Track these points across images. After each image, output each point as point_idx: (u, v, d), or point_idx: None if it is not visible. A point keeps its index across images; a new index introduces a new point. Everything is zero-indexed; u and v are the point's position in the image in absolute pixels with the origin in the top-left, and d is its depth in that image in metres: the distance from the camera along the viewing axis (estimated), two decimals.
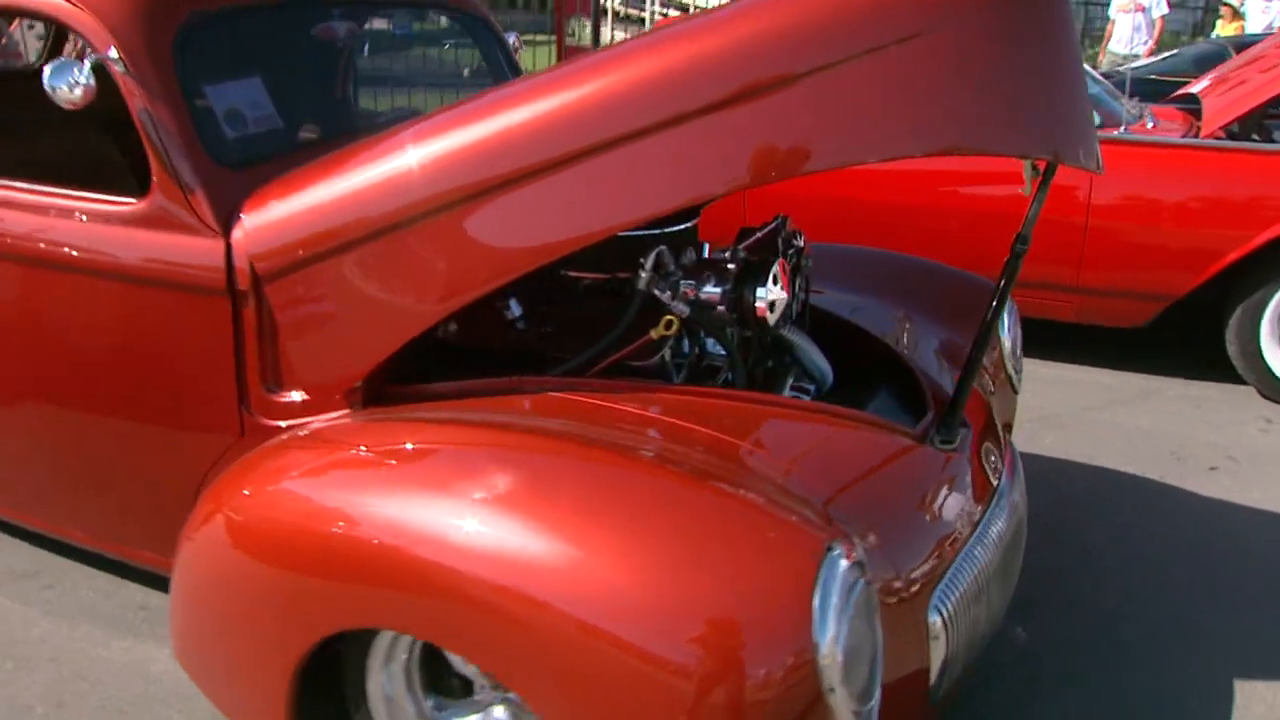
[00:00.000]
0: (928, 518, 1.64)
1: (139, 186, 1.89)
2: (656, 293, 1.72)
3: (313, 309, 1.79)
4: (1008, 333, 2.36)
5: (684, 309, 1.73)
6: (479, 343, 1.94)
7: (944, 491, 1.71)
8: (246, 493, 1.60)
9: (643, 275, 1.72)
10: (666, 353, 1.78)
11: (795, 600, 1.19)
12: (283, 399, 1.86)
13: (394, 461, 1.55)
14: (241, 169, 1.91)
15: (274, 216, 1.79)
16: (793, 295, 2.02)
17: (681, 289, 1.75)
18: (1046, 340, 4.12)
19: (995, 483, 1.87)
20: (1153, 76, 7.54)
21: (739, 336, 1.82)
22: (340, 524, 1.45)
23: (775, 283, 1.74)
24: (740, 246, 1.82)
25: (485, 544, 1.32)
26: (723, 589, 1.20)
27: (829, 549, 1.24)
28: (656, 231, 1.83)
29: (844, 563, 1.23)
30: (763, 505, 1.33)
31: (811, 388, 1.97)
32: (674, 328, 1.73)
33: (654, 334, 1.72)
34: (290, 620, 1.53)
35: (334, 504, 1.50)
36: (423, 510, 1.41)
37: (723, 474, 1.42)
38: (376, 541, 1.40)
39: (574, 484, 1.40)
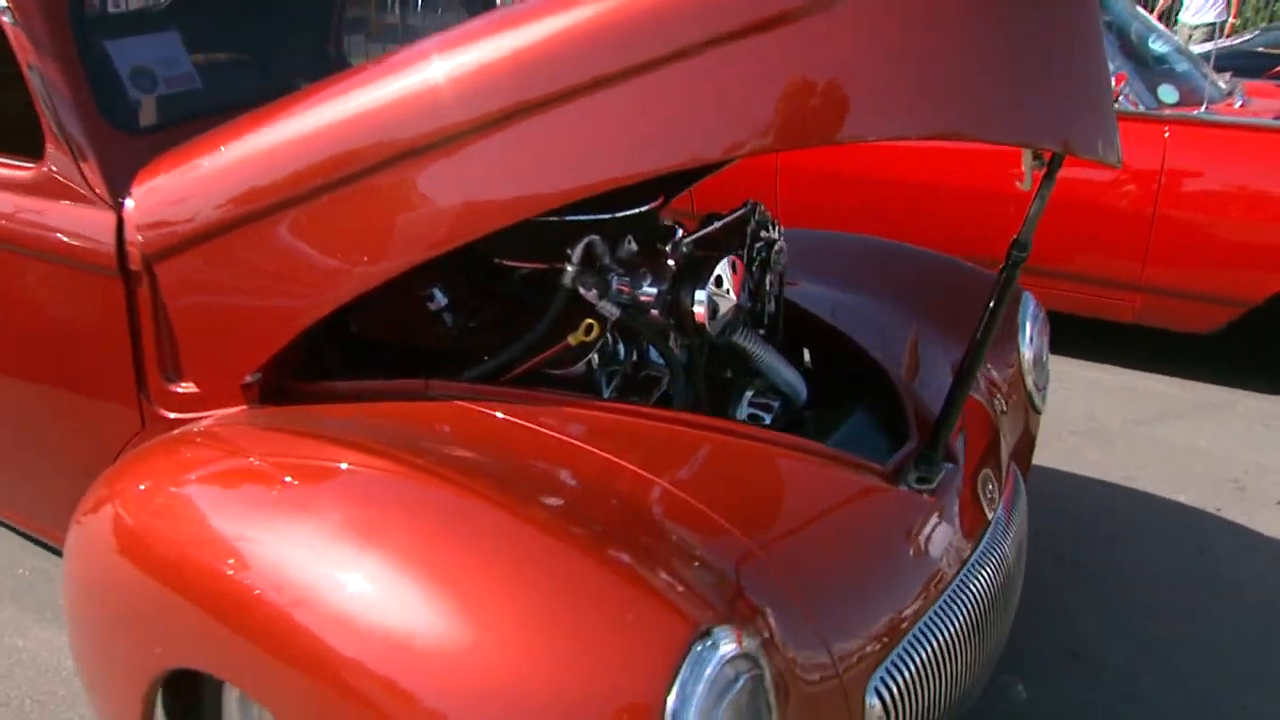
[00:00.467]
0: (883, 576, 1.37)
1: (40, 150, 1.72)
2: (582, 290, 1.47)
3: (204, 292, 1.60)
4: (1029, 343, 2.04)
5: (613, 310, 1.48)
6: (399, 336, 1.73)
7: (911, 543, 1.43)
8: (141, 487, 1.42)
9: (568, 269, 1.47)
10: (594, 359, 1.53)
11: (646, 698, 0.94)
12: (180, 390, 1.68)
13: (289, 480, 1.31)
14: (146, 134, 1.72)
15: (162, 187, 1.60)
16: (759, 296, 1.74)
17: (614, 286, 1.49)
18: (1103, 341, 3.74)
19: (988, 521, 1.59)
20: (1259, 50, 6.89)
21: (684, 344, 1.56)
22: (225, 562, 1.22)
23: (721, 283, 1.47)
24: (689, 238, 1.56)
25: (363, 620, 1.10)
26: (563, 683, 0.97)
27: (702, 636, 0.99)
28: (606, 216, 1.57)
29: (720, 652, 0.98)
30: (630, 573, 1.08)
31: (776, 404, 1.70)
32: (594, 333, 1.48)
33: (572, 339, 1.48)
34: (151, 642, 1.36)
35: (221, 533, 1.28)
36: (305, 562, 1.18)
37: (603, 524, 1.17)
38: (257, 592, 1.18)
39: (445, 543, 1.16)
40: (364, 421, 1.48)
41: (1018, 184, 1.32)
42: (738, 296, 1.51)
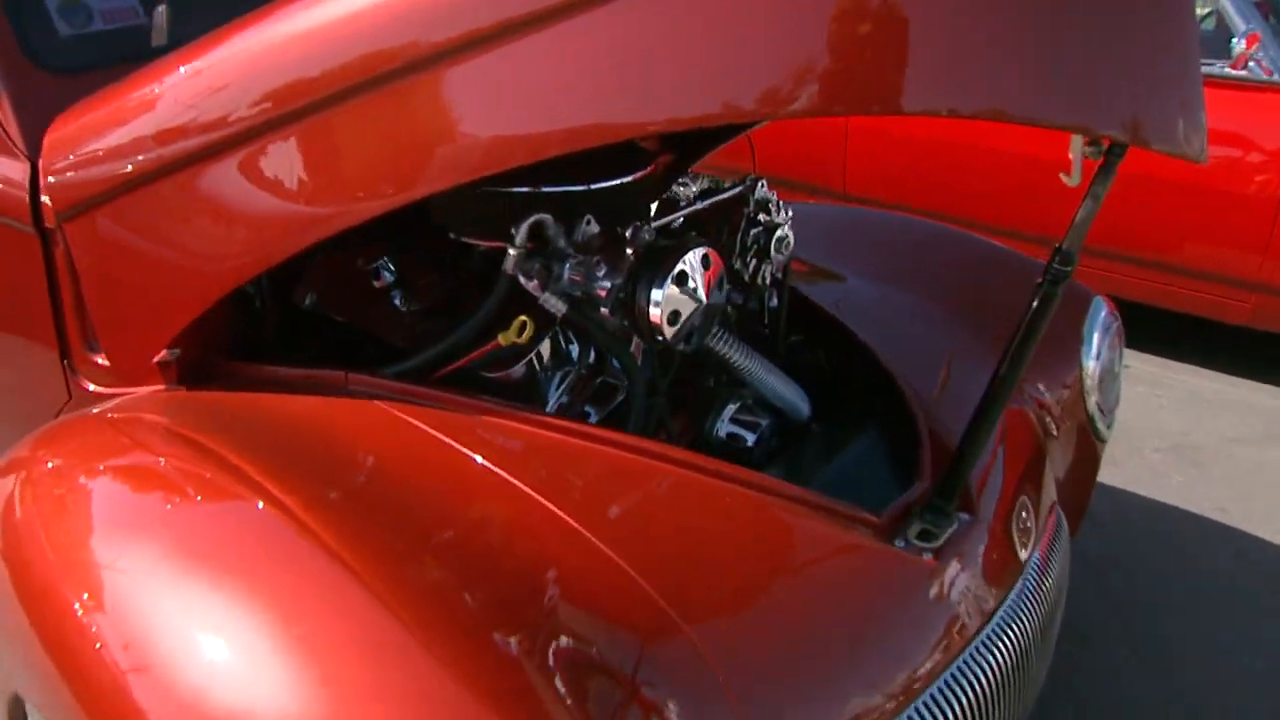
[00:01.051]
0: (863, 668, 1.09)
1: None
2: (522, 280, 1.22)
3: (114, 254, 1.42)
4: (1095, 357, 1.70)
5: (558, 306, 1.23)
6: (346, 315, 1.51)
7: (906, 618, 1.16)
8: (45, 474, 1.24)
9: (510, 253, 1.22)
10: (539, 362, 1.29)
11: None
12: (100, 362, 1.52)
13: (177, 501, 1.10)
14: (75, 75, 1.53)
15: (71, 135, 1.41)
16: (755, 290, 1.46)
17: (566, 277, 1.24)
18: (1209, 344, 3.28)
19: (1021, 567, 1.30)
20: None
21: (648, 349, 1.30)
22: (81, 602, 1.02)
23: (685, 281, 1.20)
24: (660, 221, 1.29)
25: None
26: None
27: None
28: (581, 187, 1.32)
29: None
30: (503, 687, 0.84)
31: (764, 421, 1.43)
32: (527, 333, 1.23)
33: (502, 339, 1.24)
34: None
35: (94, 564, 1.07)
36: (173, 626, 0.96)
37: (494, 603, 0.93)
38: (117, 661, 0.98)
39: (295, 624, 0.92)
40: (263, 424, 1.27)
41: (1063, 178, 1.00)
42: (708, 296, 1.24)
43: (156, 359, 1.42)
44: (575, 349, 1.34)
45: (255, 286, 1.49)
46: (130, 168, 1.34)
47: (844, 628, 1.12)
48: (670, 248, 1.21)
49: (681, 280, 1.19)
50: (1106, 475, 2.67)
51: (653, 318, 1.18)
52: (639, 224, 1.22)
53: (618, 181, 1.34)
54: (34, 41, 1.50)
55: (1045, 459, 1.55)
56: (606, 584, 1.00)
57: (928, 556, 1.19)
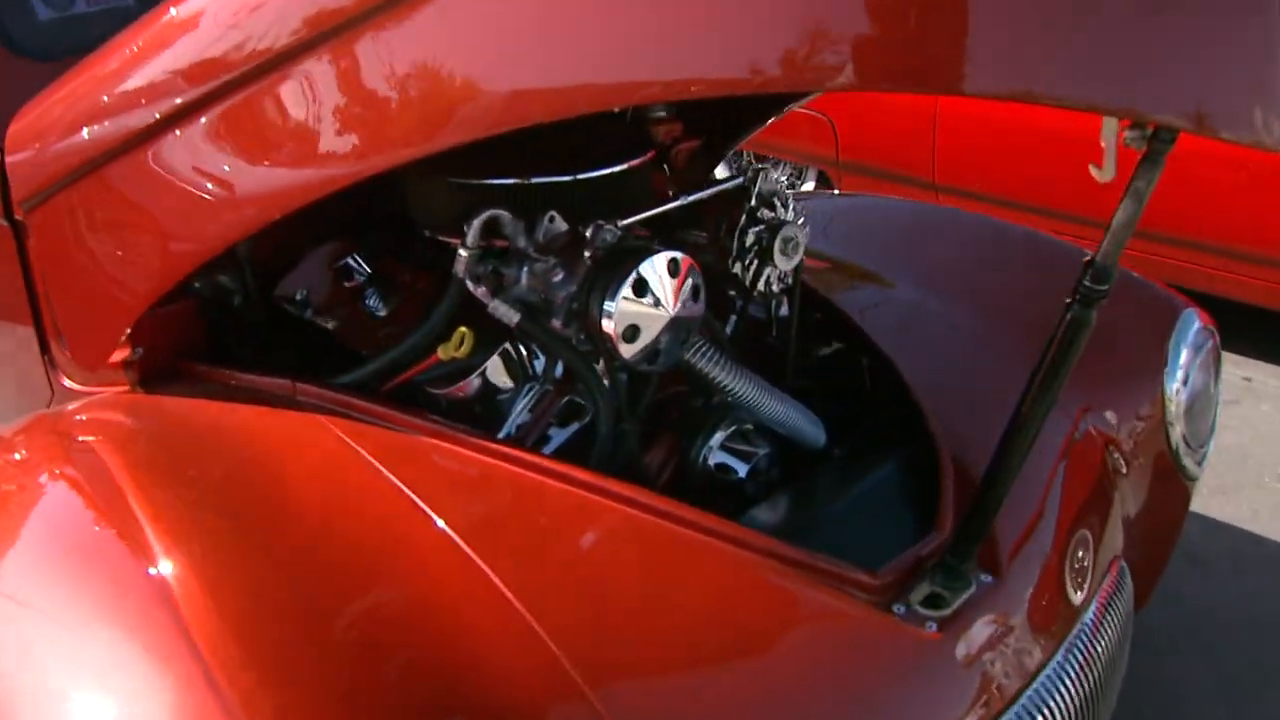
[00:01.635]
0: None
1: None
2: (470, 286, 1.07)
3: (70, 244, 1.34)
4: (1182, 380, 1.43)
5: (510, 315, 1.07)
6: (317, 316, 1.41)
7: (891, 703, 0.95)
8: None
9: (461, 254, 1.08)
10: (495, 376, 1.14)
11: None
12: (71, 359, 1.46)
13: (40, 537, 1.01)
14: (57, 61, 1.47)
15: (33, 123, 1.34)
16: (761, 296, 1.27)
17: (523, 282, 1.08)
18: None
19: (1052, 651, 1.08)
20: None
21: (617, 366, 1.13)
22: None
23: (645, 291, 1.02)
24: (635, 218, 1.11)
25: None
26: None
27: None
28: (567, 178, 1.16)
29: None
30: None
31: (762, 450, 1.23)
32: (466, 346, 1.08)
33: (442, 353, 1.09)
34: None
35: None
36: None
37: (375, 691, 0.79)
38: None
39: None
40: (189, 443, 1.17)
41: (1094, 172, 0.77)
42: (677, 307, 1.05)
43: (120, 358, 1.35)
44: (541, 362, 1.18)
45: (238, 284, 1.40)
46: (82, 152, 1.25)
47: (820, 712, 0.93)
48: (630, 250, 1.03)
49: (641, 289, 1.01)
50: (1215, 508, 2.34)
51: (607, 332, 1.01)
52: (601, 222, 1.05)
53: (604, 171, 1.17)
54: (11, 26, 1.45)
55: (1111, 503, 1.30)
56: (526, 662, 0.84)
57: (931, 628, 0.98)
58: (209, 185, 1.15)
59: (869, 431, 1.36)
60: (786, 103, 1.56)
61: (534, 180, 1.14)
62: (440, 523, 0.97)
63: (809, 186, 4.08)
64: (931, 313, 1.49)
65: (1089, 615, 1.16)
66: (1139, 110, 0.73)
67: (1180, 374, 1.43)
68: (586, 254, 1.04)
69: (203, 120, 1.11)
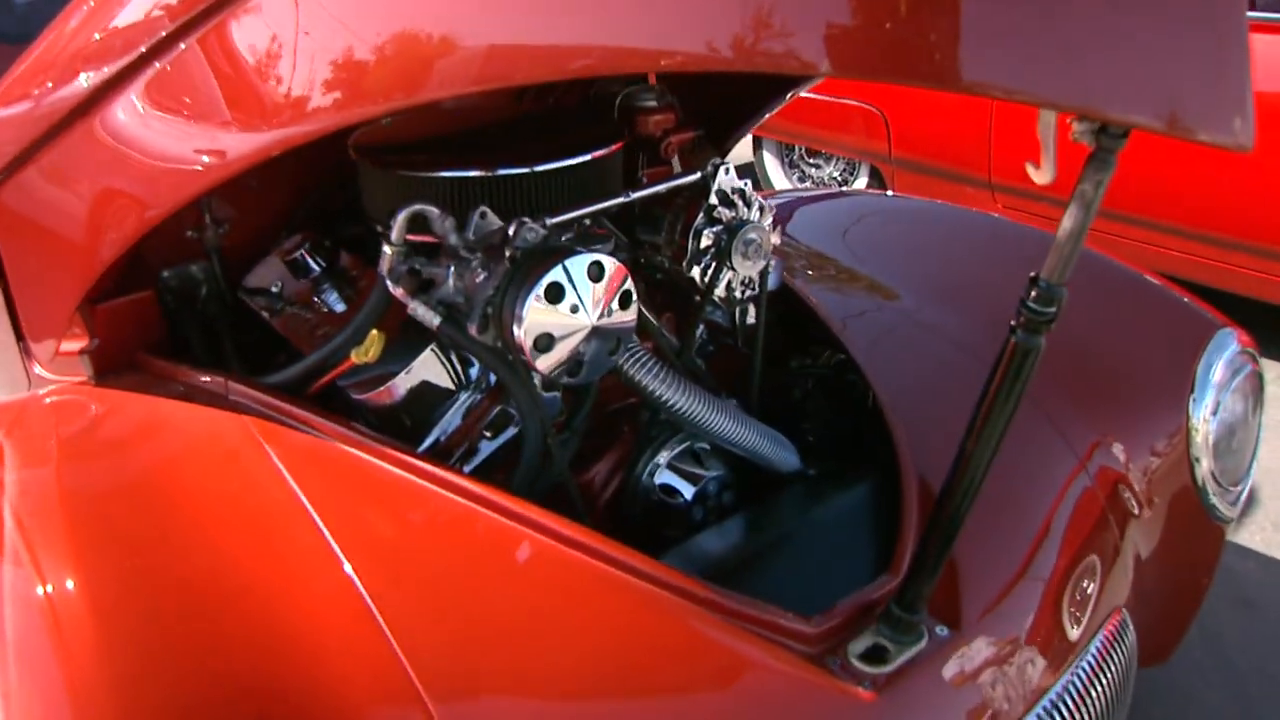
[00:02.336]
0: None
1: None
2: (390, 285, 0.99)
3: (22, 225, 1.32)
4: (1210, 410, 1.26)
5: (432, 318, 0.99)
6: (266, 311, 1.36)
7: None
8: None
9: (385, 251, 1.00)
10: (419, 380, 1.06)
11: None
12: (36, 347, 1.44)
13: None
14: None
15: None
16: (724, 301, 1.16)
17: (449, 282, 0.99)
18: None
19: (1029, 710, 0.95)
20: None
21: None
22: None
23: (560, 297, 0.92)
24: (569, 215, 1.01)
25: None
26: None
27: None
28: (545, 167, 1.07)
29: None
30: None
31: (714, 474, 1.12)
32: (373, 351, 1.00)
33: (355, 356, 1.01)
34: None
35: None
36: None
37: None
38: None
39: None
40: (112, 447, 1.14)
41: (1031, 172, 0.64)
42: (601, 315, 0.95)
43: (77, 348, 1.33)
44: (476, 368, 1.10)
45: (206, 275, 1.36)
46: (30, 130, 1.22)
47: None
48: (549, 251, 0.93)
49: (556, 295, 0.92)
50: (1275, 544, 2.12)
51: (517, 340, 0.92)
52: (524, 219, 0.96)
53: (561, 164, 1.08)
54: None
55: (1118, 550, 1.16)
56: (371, 677, 0.77)
57: (865, 688, 0.86)
58: (162, 147, 1.09)
59: (849, 453, 1.24)
60: (785, 90, 1.45)
61: (475, 173, 1.06)
62: (326, 532, 0.90)
63: (861, 184, 3.90)
64: (929, 324, 1.36)
65: (1072, 677, 1.02)
66: (1097, 109, 0.60)
67: (1210, 401, 1.26)
68: (506, 253, 0.95)
69: (145, 79, 1.06)
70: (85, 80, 1.10)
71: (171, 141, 1.08)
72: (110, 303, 1.31)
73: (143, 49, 1.02)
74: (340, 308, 1.25)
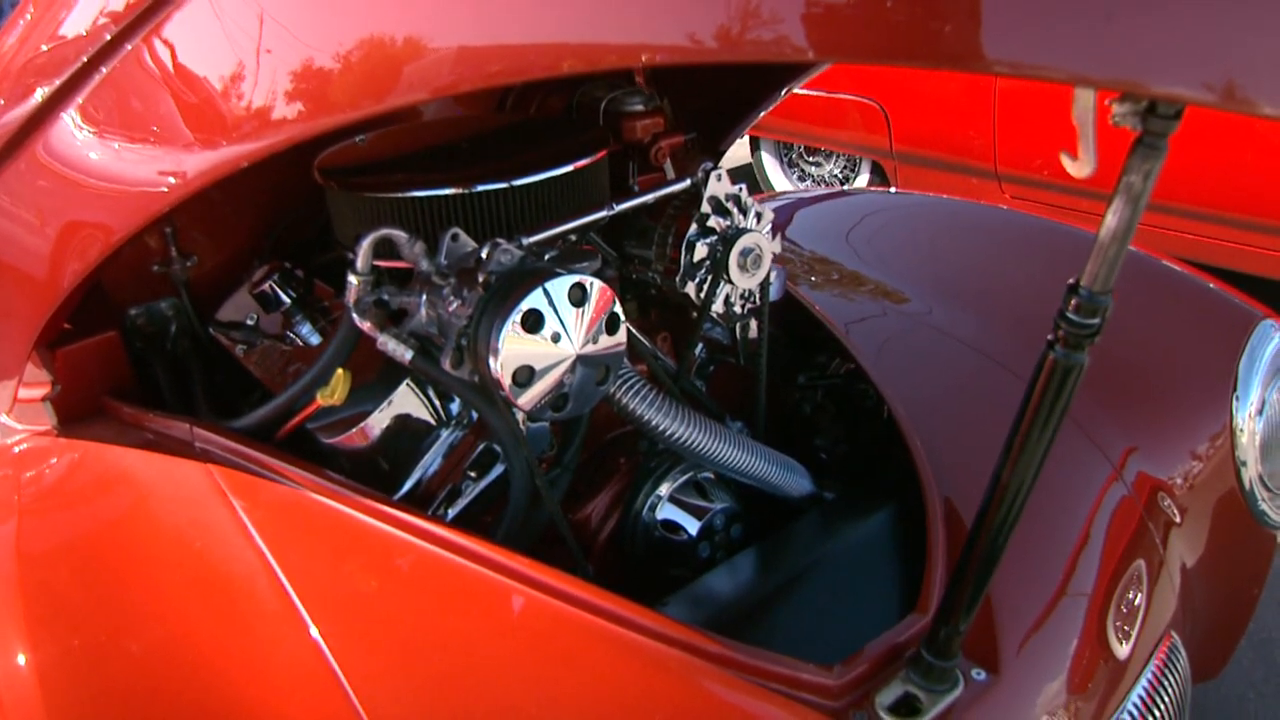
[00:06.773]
0: None
1: None
2: (356, 318, 0.91)
3: None
4: (1258, 408, 1.17)
5: (403, 352, 0.90)
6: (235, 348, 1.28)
7: None
8: None
9: (350, 280, 0.91)
10: (395, 418, 0.97)
11: None
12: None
13: None
14: None
15: None
16: (722, 318, 1.07)
17: (422, 312, 0.91)
18: None
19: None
20: None
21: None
22: None
23: (540, 326, 0.83)
24: (550, 232, 0.93)
25: None
26: None
27: None
28: (524, 181, 0.98)
29: None
30: None
31: (720, 505, 1.04)
32: (339, 393, 0.92)
33: (320, 398, 0.93)
34: None
35: None
36: None
37: None
38: None
39: None
40: (67, 504, 1.06)
41: (1066, 164, 0.55)
42: (582, 342, 0.86)
43: (39, 395, 1.25)
44: (457, 404, 1.01)
45: (175, 311, 1.28)
46: None
47: None
48: (527, 274, 0.85)
49: (534, 323, 0.83)
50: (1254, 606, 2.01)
51: (495, 376, 0.83)
52: (498, 240, 0.87)
53: (540, 177, 1.00)
54: None
55: (1161, 565, 1.06)
56: None
57: None
58: (116, 165, 1.00)
59: (865, 471, 1.15)
60: (779, 85, 1.37)
61: (447, 192, 0.97)
62: (292, 593, 0.82)
63: (863, 181, 3.81)
64: (941, 327, 1.27)
65: (1123, 715, 0.92)
66: (1144, 84, 0.51)
67: (1255, 399, 1.17)
68: (479, 278, 0.87)
69: (89, 93, 0.97)
70: (29, 99, 1.02)
71: (128, 158, 0.99)
72: (72, 345, 1.23)
73: (85, 59, 0.93)
74: (315, 340, 1.17)
